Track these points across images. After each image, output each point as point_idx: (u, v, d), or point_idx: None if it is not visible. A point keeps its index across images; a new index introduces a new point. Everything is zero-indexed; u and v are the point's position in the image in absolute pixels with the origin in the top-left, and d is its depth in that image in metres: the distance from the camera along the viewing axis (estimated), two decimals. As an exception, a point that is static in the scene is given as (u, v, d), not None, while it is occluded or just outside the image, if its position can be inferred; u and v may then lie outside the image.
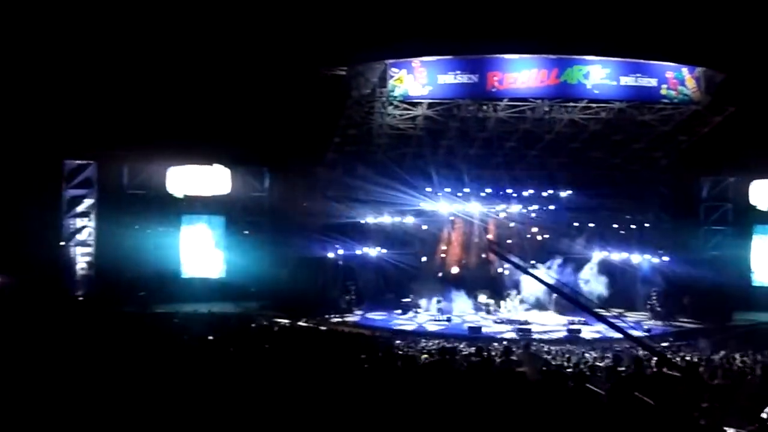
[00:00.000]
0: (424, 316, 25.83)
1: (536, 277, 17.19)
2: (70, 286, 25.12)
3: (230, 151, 26.12)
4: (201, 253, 27.18)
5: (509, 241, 28.72)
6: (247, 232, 27.21)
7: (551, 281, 19.91)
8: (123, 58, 25.15)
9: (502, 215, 28.54)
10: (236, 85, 26.36)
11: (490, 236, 25.95)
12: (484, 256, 29.13)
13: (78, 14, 23.84)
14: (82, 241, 26.09)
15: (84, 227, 26.08)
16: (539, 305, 27.08)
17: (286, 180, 27.16)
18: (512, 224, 28.96)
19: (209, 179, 26.59)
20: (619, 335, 21.19)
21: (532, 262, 25.24)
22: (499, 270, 28.39)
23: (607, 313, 18.42)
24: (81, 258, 26.07)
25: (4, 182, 23.80)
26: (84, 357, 7.01)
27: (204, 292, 24.90)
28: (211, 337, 12.75)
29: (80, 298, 24.47)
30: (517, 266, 18.47)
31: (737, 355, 13.46)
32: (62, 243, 25.78)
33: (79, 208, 25.91)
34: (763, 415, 5.85)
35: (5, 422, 4.63)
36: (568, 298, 16.32)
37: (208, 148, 25.30)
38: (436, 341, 19.00)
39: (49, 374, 5.75)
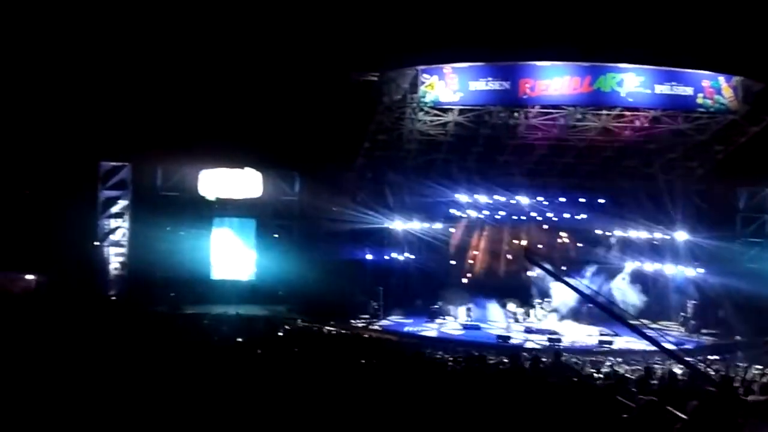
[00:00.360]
0: (453, 323, 25.67)
1: (572, 286, 16.94)
2: (102, 285, 25.63)
3: (262, 155, 26.45)
4: (231, 255, 27.51)
5: (539, 248, 28.43)
6: (277, 235, 27.47)
7: (586, 290, 19.63)
8: (159, 62, 25.65)
9: (533, 223, 28.29)
10: (269, 89, 26.68)
11: (524, 243, 25.65)
12: (513, 262, 28.90)
13: (116, 18, 24.42)
14: (116, 242, 26.61)
15: (118, 228, 26.60)
16: (569, 315, 26.69)
17: (316, 184, 27.34)
18: (542, 232, 28.70)
19: (241, 182, 26.94)
20: (651, 347, 20.88)
21: (563, 268, 24.93)
22: (530, 277, 28.08)
23: (642, 325, 18.17)
24: (114, 258, 26.58)
25: (42, 182, 24.47)
26: (113, 355, 7.14)
27: (233, 295, 25.19)
28: (240, 339, 12.90)
29: (112, 298, 24.94)
30: (552, 274, 18.28)
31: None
32: (96, 243, 26.33)
33: (114, 209, 26.43)
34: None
35: (38, 419, 4.73)
36: (603, 308, 16.05)
37: (241, 151, 25.65)
38: (464, 349, 18.86)
39: (77, 372, 5.86)
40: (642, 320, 21.99)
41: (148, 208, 25.86)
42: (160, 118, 25.30)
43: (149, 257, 25.09)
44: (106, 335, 8.88)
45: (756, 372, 12.01)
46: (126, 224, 26.54)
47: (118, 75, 25.02)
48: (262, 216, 27.50)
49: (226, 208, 27.17)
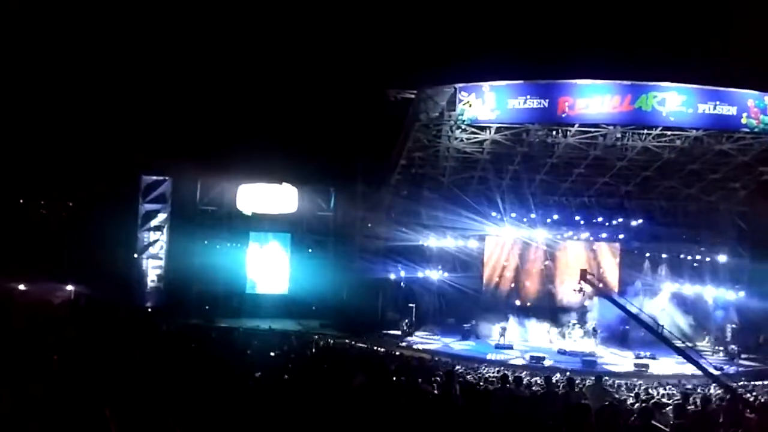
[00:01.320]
0: (486, 342, 25.36)
1: (625, 309, 16.76)
2: (139, 297, 26.14)
3: (299, 170, 26.77)
4: (266, 269, 27.81)
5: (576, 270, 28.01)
6: (311, 250, 27.67)
7: (638, 313, 19.34)
8: (201, 78, 26.28)
9: (569, 242, 27.90)
10: (308, 106, 27.07)
11: (582, 267, 25.31)
12: (548, 281, 28.53)
13: (165, 33, 25.11)
14: (154, 254, 27.16)
15: (156, 241, 27.16)
16: (605, 337, 26.15)
17: (351, 200, 27.51)
18: (579, 251, 28.29)
19: (277, 197, 27.31)
20: (687, 372, 20.43)
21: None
22: (570, 299, 27.69)
23: (688, 348, 17.78)
24: (152, 271, 27.11)
25: (85, 195, 25.18)
26: (143, 367, 7.24)
27: (267, 308, 25.44)
28: (273, 354, 12.94)
29: (149, 310, 25.40)
30: (607, 296, 18.04)
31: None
32: (135, 255, 26.91)
33: (153, 222, 27.03)
34: None
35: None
36: (652, 331, 15.79)
37: (278, 166, 26.03)
38: (498, 369, 18.60)
39: (106, 382, 5.95)
40: (686, 343, 21.76)
41: (186, 221, 26.40)
42: (201, 133, 25.89)
43: (186, 270, 25.56)
44: (139, 346, 9.01)
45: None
46: (164, 237, 27.09)
47: (161, 90, 25.71)
48: (298, 231, 27.78)
49: (263, 223, 27.54)
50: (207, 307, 24.60)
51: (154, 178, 26.80)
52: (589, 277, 20.22)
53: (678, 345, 16.79)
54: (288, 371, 8.63)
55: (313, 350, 16.72)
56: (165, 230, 27.04)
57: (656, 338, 15.97)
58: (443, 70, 22.33)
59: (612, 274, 28.02)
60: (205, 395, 5.74)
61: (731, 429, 5.56)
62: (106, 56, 24.71)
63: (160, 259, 27.12)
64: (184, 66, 26.25)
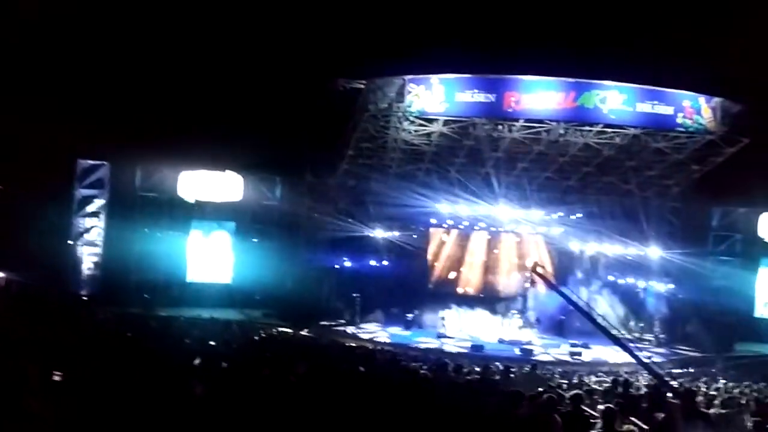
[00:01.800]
0: (429, 331, 25.69)
1: (570, 300, 17.40)
2: (75, 285, 25.25)
3: (244, 158, 26.31)
4: (208, 258, 27.30)
5: (516, 261, 28.86)
6: (256, 239, 27.30)
7: (581, 304, 20.15)
8: (141, 61, 25.47)
9: (511, 234, 28.58)
10: (254, 92, 26.62)
11: (536, 260, 25.91)
12: (490, 273, 29.17)
13: (96, 16, 24.19)
14: (91, 241, 26.27)
15: (93, 227, 26.27)
16: (542, 327, 26.97)
17: (297, 190, 27.28)
18: (520, 244, 29.03)
19: (221, 185, 26.75)
20: (618, 360, 21.32)
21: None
22: (511, 289, 28.40)
23: (625, 338, 18.62)
24: (88, 258, 26.23)
25: (17, 179, 24.07)
26: (83, 354, 7.04)
27: (209, 298, 25.01)
28: (212, 343, 12.76)
29: (84, 298, 24.58)
30: (555, 289, 18.64)
31: (736, 386, 13.29)
32: (70, 242, 25.98)
33: (90, 208, 26.11)
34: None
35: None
36: (594, 323, 16.49)
37: (222, 153, 25.50)
38: (438, 357, 18.88)
39: (46, 370, 5.76)
40: (620, 332, 22.78)
41: (124, 208, 25.59)
42: (141, 117, 25.10)
43: (124, 258, 24.80)
44: (73, 333, 8.74)
45: (720, 386, 12.18)
46: (101, 224, 26.21)
47: (98, 71, 24.80)
48: (242, 220, 27.34)
49: (206, 211, 26.96)
50: (146, 296, 23.97)
51: (91, 162, 25.83)
52: (539, 269, 20.83)
53: (616, 336, 17.48)
54: (227, 359, 8.52)
55: (255, 339, 16.58)
56: (102, 217, 26.15)
57: (597, 329, 16.67)
58: (392, 61, 22.38)
59: (551, 266, 28.84)
60: (140, 384, 5.62)
61: (655, 413, 5.83)
62: (40, 33, 23.62)
63: (97, 246, 26.24)
64: (123, 46, 25.38)
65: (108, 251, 25.96)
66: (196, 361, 7.99)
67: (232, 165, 26.62)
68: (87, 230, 26.24)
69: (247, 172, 26.95)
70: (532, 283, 23.20)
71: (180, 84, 25.85)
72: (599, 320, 18.79)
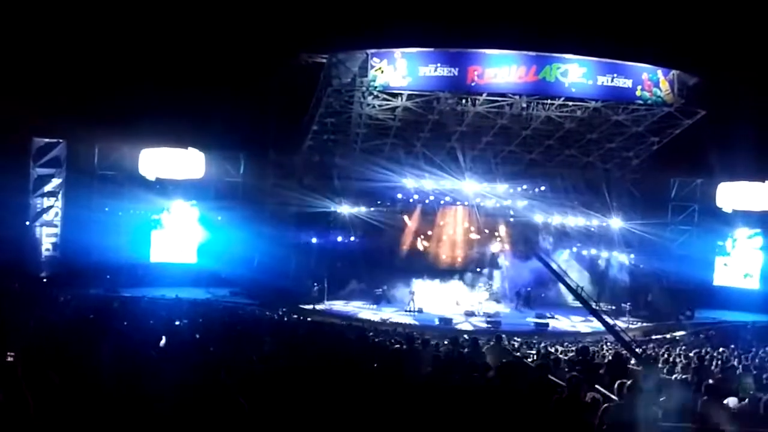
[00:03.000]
0: (397, 306, 25.90)
1: (557, 274, 17.90)
2: (34, 266, 24.62)
3: (206, 135, 25.79)
4: (172, 237, 26.88)
5: (487, 233, 29.28)
6: (220, 217, 26.96)
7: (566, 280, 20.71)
8: (98, 36, 24.63)
9: (477, 208, 28.86)
10: (215, 68, 26.03)
11: (529, 237, 26.33)
12: (458, 247, 29.51)
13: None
14: (49, 222, 25.58)
15: (51, 207, 25.56)
16: (509, 298, 27.51)
17: (262, 166, 26.95)
18: (486, 217, 29.37)
19: (183, 163, 26.19)
20: (583, 329, 21.89)
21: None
22: (476, 263, 28.81)
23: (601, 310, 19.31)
24: (47, 239, 25.56)
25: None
26: (44, 336, 6.88)
27: (174, 277, 24.68)
28: (177, 323, 12.65)
29: (44, 279, 24.01)
30: (547, 266, 19.11)
31: (696, 352, 13.76)
32: (27, 223, 25.26)
33: (47, 188, 25.38)
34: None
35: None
36: (575, 294, 17.06)
37: (183, 131, 24.95)
38: (407, 331, 19.07)
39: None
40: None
41: (83, 187, 24.95)
42: (98, 93, 24.34)
43: (84, 238, 24.19)
44: (32, 315, 8.53)
45: (680, 352, 12.60)
46: (60, 204, 25.52)
47: (52, 45, 23.89)
48: (205, 197, 26.93)
49: (167, 189, 26.44)
50: (108, 277, 23.54)
51: (47, 140, 25.02)
52: (533, 248, 21.36)
53: (593, 307, 18.04)
54: (194, 339, 8.45)
55: (222, 318, 16.47)
56: (60, 196, 25.45)
57: (578, 300, 17.32)
58: (355, 35, 22.11)
59: (516, 239, 29.32)
60: (105, 365, 5.53)
61: (617, 379, 6.00)
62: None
63: (56, 226, 25.57)
64: (78, 18, 24.45)
65: (67, 232, 25.34)
66: (162, 343, 7.90)
67: (194, 142, 26.08)
68: (45, 210, 25.53)
69: (210, 149, 26.46)
70: (526, 258, 23.69)
71: (139, 60, 25.12)
72: (581, 293, 19.42)
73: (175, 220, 26.96)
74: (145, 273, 25.25)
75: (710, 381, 6.76)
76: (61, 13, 24.03)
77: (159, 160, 25.87)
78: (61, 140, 25.09)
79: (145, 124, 23.95)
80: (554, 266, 20.31)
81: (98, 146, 25.44)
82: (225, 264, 25.45)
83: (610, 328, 14.43)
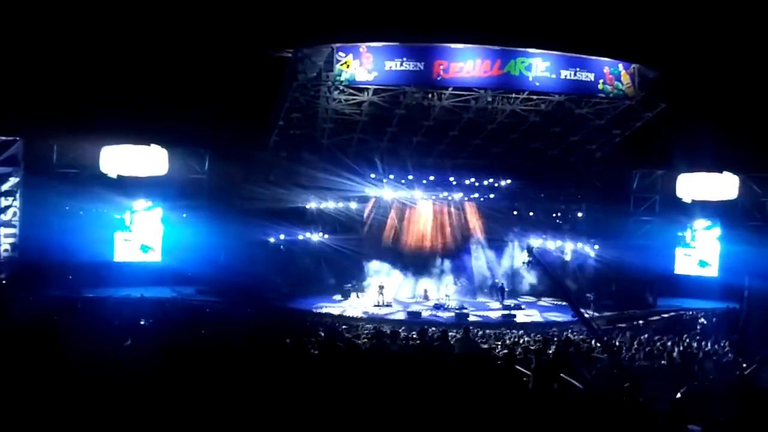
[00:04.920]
0: (366, 301, 25.92)
1: (553, 277, 18.31)
2: (-9, 268, 23.90)
3: (169, 131, 25.29)
4: (136, 235, 26.36)
5: (450, 228, 29.48)
6: (185, 215, 26.52)
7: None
8: (56, 29, 23.98)
9: (444, 202, 29.08)
10: (179, 62, 25.60)
11: (531, 242, 26.55)
12: (427, 240, 29.69)
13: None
14: (6, 222, 24.83)
15: (8, 207, 24.81)
16: (477, 290, 27.82)
17: (227, 162, 26.58)
18: (454, 211, 29.62)
19: (146, 160, 25.62)
20: (550, 319, 22.28)
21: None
22: (444, 257, 28.99)
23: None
24: (5, 239, 24.81)
25: None
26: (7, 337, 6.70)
27: (139, 276, 24.19)
28: (143, 322, 12.43)
29: (3, 281, 23.33)
30: (544, 268, 19.48)
31: (658, 339, 14.11)
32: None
33: (4, 187, 24.60)
34: (678, 396, 6.18)
35: None
36: (566, 297, 17.48)
37: (145, 127, 24.43)
38: (375, 325, 19.12)
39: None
40: (542, 296, 24.27)
41: (42, 186, 24.20)
42: (57, 89, 23.70)
43: (44, 238, 23.51)
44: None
45: (643, 340, 12.91)
46: (17, 203, 24.77)
47: (7, 41, 23.18)
48: (169, 195, 26.41)
49: (130, 187, 25.85)
50: (70, 277, 22.99)
51: (2, 138, 24.22)
52: (534, 251, 21.86)
53: (581, 311, 18.38)
54: (160, 339, 8.32)
55: (189, 317, 16.26)
56: (18, 195, 24.71)
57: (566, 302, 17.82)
58: (320, 29, 21.98)
59: (481, 231, 29.63)
60: (70, 368, 5.41)
61: (582, 367, 6.11)
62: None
63: (14, 226, 24.80)
64: (34, 13, 23.76)
65: (26, 232, 24.60)
66: (127, 343, 7.75)
67: (157, 138, 25.56)
68: (2, 210, 24.75)
69: (173, 146, 25.98)
70: (529, 264, 23.99)
71: (100, 54, 24.53)
72: (569, 295, 19.84)
73: (139, 218, 26.45)
74: (109, 273, 24.69)
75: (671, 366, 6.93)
76: (16, 7, 23.32)
77: (120, 157, 25.24)
78: (17, 138, 24.32)
79: (106, 120, 23.38)
80: (549, 269, 21.05)
81: (56, 143, 24.74)
82: (191, 262, 25.05)
83: (586, 322, 14.83)
